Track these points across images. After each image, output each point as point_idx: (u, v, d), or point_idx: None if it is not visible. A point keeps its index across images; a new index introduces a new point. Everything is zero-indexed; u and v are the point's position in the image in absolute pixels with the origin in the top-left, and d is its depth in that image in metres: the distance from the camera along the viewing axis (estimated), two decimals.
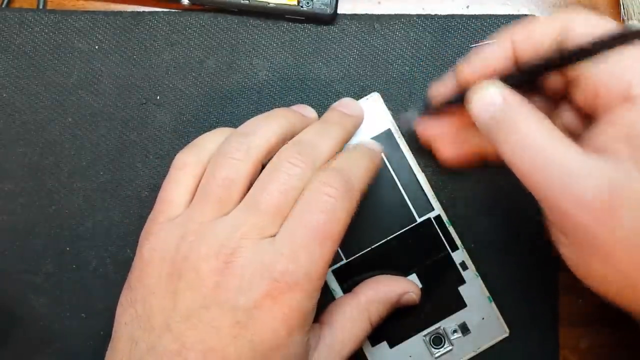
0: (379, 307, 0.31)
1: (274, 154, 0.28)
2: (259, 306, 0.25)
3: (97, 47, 0.35)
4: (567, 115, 0.28)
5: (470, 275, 0.34)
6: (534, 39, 0.26)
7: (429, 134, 0.32)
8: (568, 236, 0.24)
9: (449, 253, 0.34)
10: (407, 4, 0.36)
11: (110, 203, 0.35)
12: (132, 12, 0.36)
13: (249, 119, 0.35)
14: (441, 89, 0.31)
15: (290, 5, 0.35)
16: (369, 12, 0.36)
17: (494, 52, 0.27)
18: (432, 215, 0.34)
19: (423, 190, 0.34)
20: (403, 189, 0.34)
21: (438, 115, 0.32)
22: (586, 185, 0.22)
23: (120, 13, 0.36)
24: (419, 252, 0.34)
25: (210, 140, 0.30)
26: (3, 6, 0.36)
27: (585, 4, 0.36)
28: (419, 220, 0.34)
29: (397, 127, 0.34)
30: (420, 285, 0.33)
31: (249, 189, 0.27)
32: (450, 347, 0.33)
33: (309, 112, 0.32)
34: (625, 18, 0.35)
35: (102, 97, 0.35)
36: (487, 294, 0.33)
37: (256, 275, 0.25)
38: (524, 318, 0.34)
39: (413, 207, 0.34)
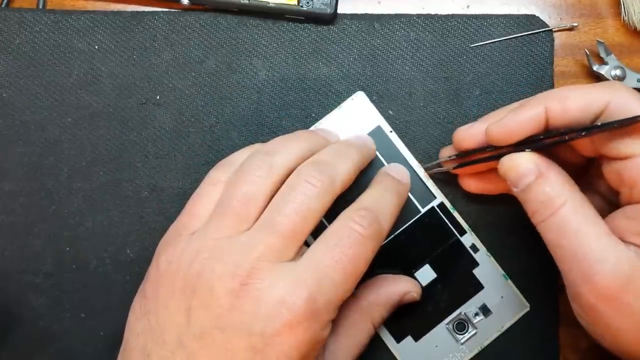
0: (381, 310, 0.31)
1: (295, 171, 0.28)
2: (276, 334, 0.25)
3: (96, 47, 0.35)
4: (598, 178, 0.29)
5: (483, 256, 0.34)
6: (569, 108, 0.26)
7: (454, 171, 0.33)
8: (582, 312, 0.25)
9: (458, 238, 0.34)
10: (407, 4, 0.36)
11: (110, 203, 0.35)
12: (132, 12, 0.36)
13: (249, 119, 0.35)
14: (468, 134, 0.31)
15: (290, 5, 0.35)
16: (369, 12, 0.36)
17: (525, 116, 0.27)
18: (435, 203, 0.34)
19: (422, 181, 0.34)
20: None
21: (464, 157, 0.32)
22: (601, 272, 0.24)
23: (120, 13, 0.36)
24: (428, 242, 0.34)
25: (239, 157, 0.30)
26: (3, 6, 0.36)
27: (585, 4, 0.36)
28: (422, 210, 0.34)
29: (386, 123, 0.34)
30: (435, 275, 0.34)
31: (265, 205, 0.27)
32: (475, 331, 0.33)
33: (332, 136, 0.33)
34: (626, 18, 0.35)
35: (102, 97, 0.35)
36: (502, 272, 0.34)
37: (276, 302, 0.25)
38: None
39: (415, 198, 0.34)
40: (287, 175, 0.28)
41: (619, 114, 0.25)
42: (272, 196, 0.27)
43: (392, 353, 0.33)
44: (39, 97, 0.35)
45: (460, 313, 0.33)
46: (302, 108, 0.35)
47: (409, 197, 0.34)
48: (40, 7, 0.36)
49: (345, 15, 0.35)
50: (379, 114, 0.34)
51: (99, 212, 0.35)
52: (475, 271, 0.34)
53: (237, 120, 0.35)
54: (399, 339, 0.33)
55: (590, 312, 0.25)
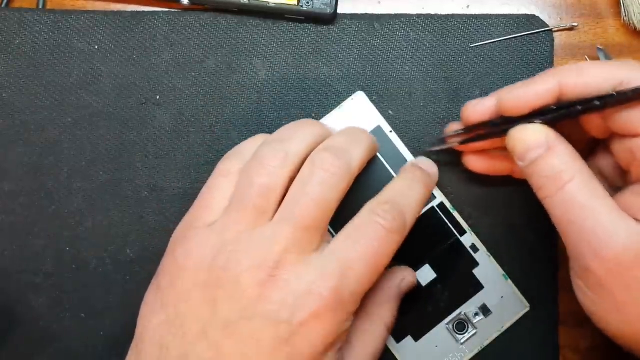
0: (388, 308, 0.31)
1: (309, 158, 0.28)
2: (304, 323, 0.25)
3: (96, 47, 0.35)
4: (604, 160, 0.29)
5: (483, 256, 0.34)
6: (586, 81, 0.26)
7: (459, 147, 0.32)
8: (589, 288, 0.25)
9: (458, 238, 0.34)
10: (407, 4, 0.36)
11: (110, 203, 0.35)
12: (132, 12, 0.36)
13: (249, 119, 0.35)
14: (478, 108, 0.30)
15: (290, 5, 0.35)
16: (369, 12, 0.36)
17: (540, 88, 0.27)
18: (434, 203, 0.34)
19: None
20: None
21: (471, 131, 0.31)
22: (611, 246, 0.24)
23: (120, 13, 0.36)
24: (428, 242, 0.34)
25: (252, 149, 0.29)
26: (3, 6, 0.36)
27: (585, 4, 0.36)
28: (422, 210, 0.34)
29: (386, 123, 0.34)
30: (435, 275, 0.34)
31: (285, 195, 0.27)
32: (475, 331, 0.33)
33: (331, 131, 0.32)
34: (626, 18, 0.35)
35: (102, 97, 0.35)
36: (502, 272, 0.34)
37: (303, 292, 0.25)
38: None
39: None
40: (302, 162, 0.28)
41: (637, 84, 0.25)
42: (289, 185, 0.27)
43: (392, 353, 0.33)
44: (39, 97, 0.35)
45: (460, 313, 0.33)
46: (302, 108, 0.35)
47: None
48: (40, 7, 0.36)
49: (345, 15, 0.35)
50: (379, 114, 0.34)
51: (99, 212, 0.35)
52: (475, 271, 0.34)
53: (237, 120, 0.35)
54: (399, 339, 0.33)
55: (598, 287, 0.24)
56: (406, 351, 0.33)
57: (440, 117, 0.35)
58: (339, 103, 0.35)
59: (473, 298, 0.33)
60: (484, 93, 0.35)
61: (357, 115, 0.34)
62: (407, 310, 0.33)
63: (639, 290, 0.24)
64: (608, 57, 0.34)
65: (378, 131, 0.34)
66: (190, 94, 0.35)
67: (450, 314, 0.33)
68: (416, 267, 0.34)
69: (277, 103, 0.35)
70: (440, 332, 0.33)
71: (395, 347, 0.33)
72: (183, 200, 0.35)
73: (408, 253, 0.34)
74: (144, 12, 0.36)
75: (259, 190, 0.27)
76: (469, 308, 0.33)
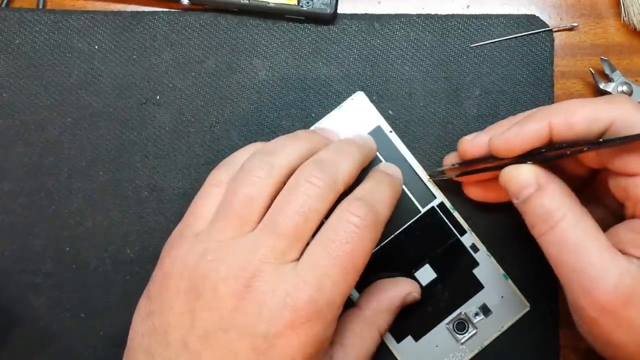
0: (385, 316, 0.31)
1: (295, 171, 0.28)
2: (279, 335, 0.25)
3: (96, 47, 0.35)
4: (604, 186, 0.29)
5: (483, 256, 0.34)
6: (575, 122, 0.26)
7: (457, 179, 0.33)
8: (583, 323, 0.25)
9: (458, 238, 0.34)
10: (407, 4, 0.36)
11: (110, 203, 0.35)
12: (132, 12, 0.36)
13: (249, 119, 0.35)
14: (474, 143, 0.30)
15: (290, 5, 0.35)
16: (369, 12, 0.36)
17: (529, 131, 0.27)
18: (435, 203, 0.34)
19: (422, 181, 0.34)
20: (403, 182, 0.34)
21: (467, 165, 0.32)
22: (602, 286, 0.24)
23: (120, 13, 0.36)
24: (428, 242, 0.34)
25: (240, 157, 0.29)
26: (3, 6, 0.36)
27: (585, 4, 0.36)
28: (422, 210, 0.34)
29: (386, 123, 0.34)
30: (435, 275, 0.34)
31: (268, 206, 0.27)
32: (475, 331, 0.33)
33: (333, 135, 0.33)
34: (626, 18, 0.35)
35: (102, 97, 0.35)
36: (502, 271, 0.34)
37: (277, 304, 0.25)
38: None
39: (415, 198, 0.34)
40: (289, 175, 0.28)
41: (624, 130, 0.25)
42: (274, 197, 0.27)
43: (392, 353, 0.33)
44: (39, 97, 0.35)
45: (461, 313, 0.33)
46: (302, 108, 0.35)
47: (408, 197, 0.34)
48: (40, 7, 0.36)
49: (345, 15, 0.35)
50: (378, 114, 0.34)
51: (99, 212, 0.35)
52: (475, 271, 0.34)
53: (237, 120, 0.35)
54: (399, 338, 0.33)
55: (592, 325, 0.25)
56: (406, 351, 0.33)
57: (440, 117, 0.35)
58: (339, 103, 0.35)
59: (473, 298, 0.33)
60: (484, 93, 0.35)
61: (357, 115, 0.34)
62: (408, 310, 0.33)
63: (631, 331, 0.24)
64: (612, 68, 0.34)
65: (378, 131, 0.34)
66: (190, 94, 0.35)
67: (450, 313, 0.33)
68: (416, 267, 0.34)
69: (277, 103, 0.35)
70: (441, 332, 0.33)
71: (395, 347, 0.33)
72: (183, 200, 0.35)
73: (408, 253, 0.34)
74: (144, 12, 0.36)
75: (242, 199, 0.27)
76: (469, 308, 0.33)
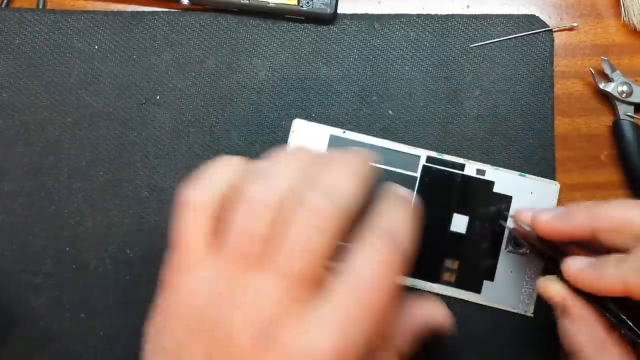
0: (408, 340, 0.29)
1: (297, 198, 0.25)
2: None
3: (96, 47, 0.35)
4: None
5: (492, 172, 0.34)
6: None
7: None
8: None
9: (462, 174, 0.34)
10: (407, 4, 0.36)
11: (110, 203, 0.35)
12: (132, 12, 0.36)
13: (249, 118, 0.35)
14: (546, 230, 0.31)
15: (290, 5, 0.35)
16: (369, 12, 0.36)
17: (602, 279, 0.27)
18: (423, 161, 0.34)
19: (400, 151, 0.34)
20: (386, 166, 0.34)
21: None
22: None
23: (120, 13, 0.36)
24: (441, 196, 0.34)
25: (218, 174, 0.27)
26: (3, 6, 0.36)
27: (585, 5, 0.36)
28: (418, 174, 0.34)
29: (334, 127, 0.34)
30: (467, 217, 0.34)
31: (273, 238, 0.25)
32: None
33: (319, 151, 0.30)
34: (626, 18, 0.35)
35: (102, 97, 0.35)
36: (517, 173, 0.34)
37: (302, 355, 0.23)
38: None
39: (404, 170, 0.34)
40: (291, 200, 0.25)
41: None
42: (276, 225, 0.25)
43: (479, 304, 0.34)
44: (39, 97, 0.35)
45: (510, 232, 0.34)
46: (302, 108, 0.35)
47: (399, 173, 0.34)
48: (40, 7, 0.36)
49: (345, 15, 0.35)
50: (322, 125, 0.34)
51: (99, 212, 0.35)
52: (496, 189, 0.34)
53: (237, 120, 0.35)
54: (478, 289, 0.34)
55: None
56: (490, 293, 0.34)
57: (440, 117, 0.35)
58: (339, 103, 0.35)
59: (509, 212, 0.34)
60: (484, 93, 0.35)
61: (308, 141, 0.34)
62: (469, 265, 0.33)
63: None
64: (613, 68, 0.34)
65: (334, 139, 0.34)
66: (190, 94, 0.35)
67: (501, 239, 0.34)
68: (448, 224, 0.34)
69: (277, 103, 0.35)
70: (506, 258, 0.34)
71: (479, 298, 0.34)
72: None
73: (432, 216, 0.34)
74: (143, 12, 0.36)
75: (247, 235, 0.24)
76: (511, 223, 0.34)
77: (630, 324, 0.26)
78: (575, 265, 0.28)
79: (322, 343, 0.23)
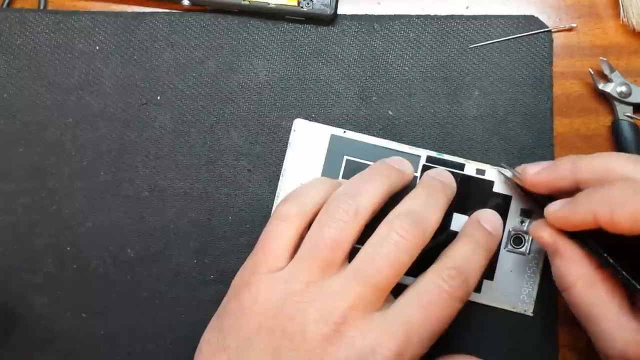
0: None
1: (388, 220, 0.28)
2: None
3: (97, 48, 0.36)
4: None
5: (492, 172, 0.34)
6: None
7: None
8: None
9: (463, 174, 0.34)
10: (407, 5, 0.36)
11: (111, 203, 0.35)
12: (133, 12, 0.36)
13: (249, 119, 0.35)
14: (532, 182, 0.31)
15: (290, 5, 0.35)
16: (369, 13, 0.36)
17: (578, 218, 0.28)
18: (423, 161, 0.34)
19: (400, 151, 0.34)
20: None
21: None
22: (612, 353, 0.26)
23: (121, 14, 0.36)
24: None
25: (311, 193, 0.30)
26: (4, 6, 0.36)
27: (584, 5, 0.36)
28: (419, 174, 0.34)
29: (335, 127, 0.34)
30: (468, 216, 0.34)
31: (351, 250, 0.28)
32: (529, 236, 0.34)
33: (407, 167, 0.33)
34: (625, 19, 0.35)
35: (103, 97, 0.35)
36: (515, 169, 0.34)
37: (367, 351, 0.25)
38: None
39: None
40: (372, 215, 0.29)
41: None
42: (357, 238, 0.28)
43: (478, 303, 0.34)
44: (40, 97, 0.35)
45: (510, 231, 0.34)
46: (302, 108, 0.35)
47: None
48: (42, 7, 0.36)
49: (345, 16, 0.36)
50: (323, 125, 0.34)
51: (99, 212, 0.35)
52: (495, 188, 0.34)
53: (237, 120, 0.35)
54: (477, 289, 0.34)
55: None
56: (489, 292, 0.33)
57: (440, 118, 0.35)
58: (339, 103, 0.35)
59: (510, 211, 0.34)
60: (484, 93, 0.35)
61: (309, 140, 0.34)
62: None
63: None
64: (612, 69, 0.34)
65: (335, 138, 0.34)
66: (191, 95, 0.35)
67: (502, 238, 0.34)
68: (448, 223, 0.34)
69: (277, 103, 0.35)
70: (505, 257, 0.34)
71: (479, 297, 0.34)
72: (183, 200, 0.35)
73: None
74: (144, 12, 0.36)
75: (329, 243, 0.27)
76: (513, 222, 0.34)
77: (611, 260, 0.27)
78: (554, 206, 0.29)
79: (387, 343, 0.25)
